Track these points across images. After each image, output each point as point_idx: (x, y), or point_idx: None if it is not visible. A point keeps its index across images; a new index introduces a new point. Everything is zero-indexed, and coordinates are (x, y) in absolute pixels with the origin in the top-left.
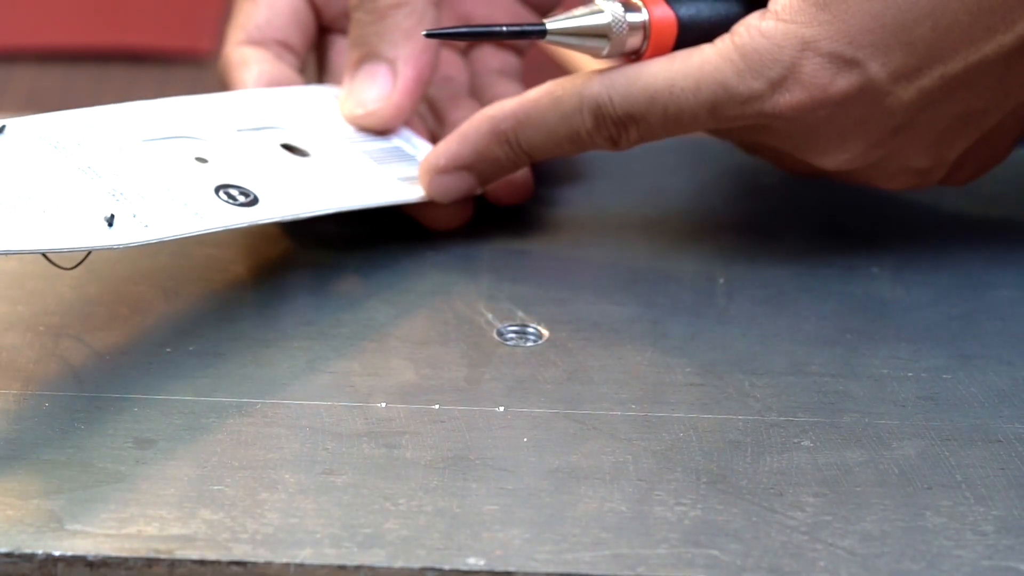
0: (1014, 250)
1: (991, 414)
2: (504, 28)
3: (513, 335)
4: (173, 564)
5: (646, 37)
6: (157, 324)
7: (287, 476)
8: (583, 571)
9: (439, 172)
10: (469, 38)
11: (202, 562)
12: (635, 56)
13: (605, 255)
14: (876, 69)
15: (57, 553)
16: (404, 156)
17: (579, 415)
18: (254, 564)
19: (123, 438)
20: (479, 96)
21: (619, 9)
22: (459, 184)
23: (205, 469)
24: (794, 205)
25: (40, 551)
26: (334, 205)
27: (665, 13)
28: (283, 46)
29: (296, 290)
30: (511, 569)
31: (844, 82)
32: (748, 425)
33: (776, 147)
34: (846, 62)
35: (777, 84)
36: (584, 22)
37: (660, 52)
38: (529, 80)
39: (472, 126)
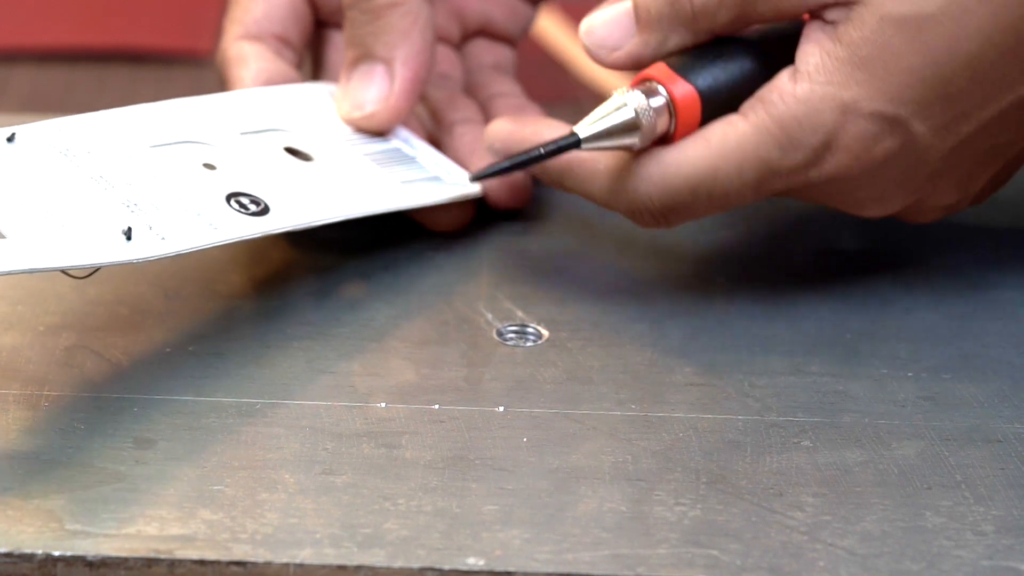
0: (1014, 250)
1: (991, 414)
2: (542, 150)
3: (513, 335)
4: (173, 564)
5: (672, 117)
6: (157, 324)
7: (287, 476)
8: (583, 571)
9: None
10: (516, 168)
11: (202, 562)
12: (666, 138)
13: (605, 255)
14: (918, 126)
15: (57, 553)
16: (404, 158)
17: (579, 415)
18: (254, 564)
19: (123, 438)
20: (475, 93)
21: (641, 98)
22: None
23: (205, 469)
24: (794, 205)
25: (40, 551)
26: (343, 213)
27: (686, 89)
28: (281, 41)
29: (296, 290)
30: (511, 569)
31: (888, 143)
32: (748, 425)
33: (813, 199)
34: (888, 122)
35: (820, 151)
36: (613, 121)
37: (689, 129)
38: (526, 79)
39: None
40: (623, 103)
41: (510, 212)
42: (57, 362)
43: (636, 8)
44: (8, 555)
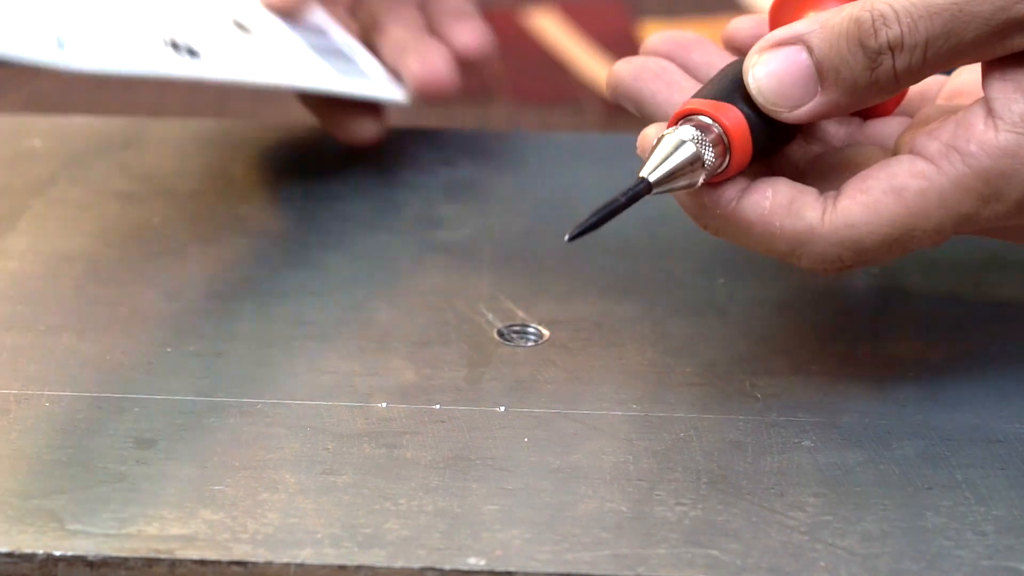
0: (1014, 250)
1: (991, 414)
2: (622, 199)
3: (513, 335)
4: (173, 564)
5: (727, 148)
6: (157, 324)
7: (287, 476)
8: (583, 571)
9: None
10: (601, 223)
11: (202, 562)
12: (722, 169)
13: (605, 255)
14: None
15: (57, 553)
16: (340, 54)
17: (579, 415)
18: (254, 564)
19: (123, 438)
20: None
21: (695, 133)
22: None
23: (205, 469)
24: None
25: (40, 551)
26: (270, 79)
27: (735, 117)
28: None
29: (296, 290)
30: (511, 569)
31: None
32: (748, 425)
33: (990, 236)
34: None
35: (1022, 201)
36: (677, 160)
37: (743, 157)
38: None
39: (686, 202)
40: (680, 140)
41: (510, 211)
42: (57, 362)
43: (819, 65)
44: (8, 555)
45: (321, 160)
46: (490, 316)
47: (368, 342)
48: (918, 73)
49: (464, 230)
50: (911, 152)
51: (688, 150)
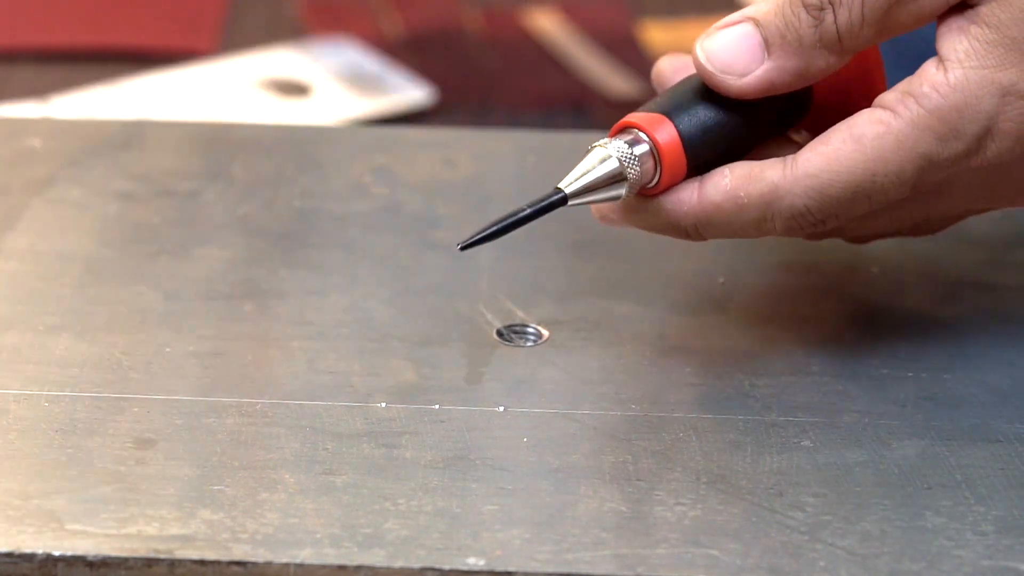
0: (1014, 250)
1: (991, 414)
2: (528, 210)
3: (513, 335)
4: (173, 564)
5: (658, 164)
6: (157, 324)
7: (287, 476)
8: (583, 571)
9: (610, 224)
10: (500, 234)
11: (202, 562)
12: (653, 186)
13: (605, 255)
14: None
15: (57, 553)
16: (366, 75)
17: (579, 415)
18: (254, 564)
19: (123, 438)
20: None
21: (623, 148)
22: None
23: (205, 469)
24: None
25: (40, 551)
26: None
27: (669, 135)
28: None
29: (296, 290)
30: (511, 569)
31: None
32: (748, 425)
33: (963, 199)
34: None
35: (981, 137)
36: (598, 174)
37: (676, 173)
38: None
39: (654, 216)
40: (607, 155)
41: None
42: (57, 362)
43: (765, 33)
44: (8, 555)
45: (321, 160)
46: (490, 316)
47: (368, 342)
48: (859, 31)
49: (464, 230)
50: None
51: (610, 166)
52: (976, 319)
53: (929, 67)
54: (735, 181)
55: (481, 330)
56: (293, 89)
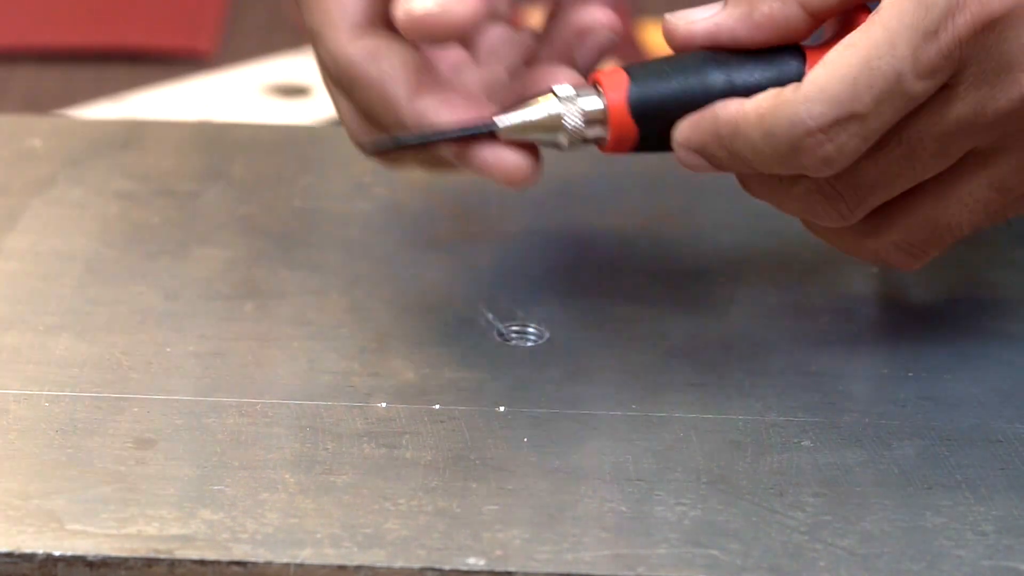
0: (1014, 250)
1: (991, 414)
2: (453, 131)
3: (513, 335)
4: (173, 564)
5: (605, 125)
6: (157, 324)
7: (287, 476)
8: (583, 571)
9: (677, 145)
10: (419, 146)
11: (202, 562)
12: (601, 144)
13: (605, 255)
14: None
15: (57, 553)
16: None
17: (579, 415)
18: (254, 564)
19: (123, 438)
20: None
21: (570, 93)
22: (692, 160)
23: (205, 469)
24: None
25: (40, 551)
26: None
27: (620, 95)
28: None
29: (296, 290)
30: (511, 569)
31: None
32: (748, 425)
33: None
34: None
35: None
36: (533, 116)
37: (625, 138)
38: None
39: (704, 117)
40: (550, 98)
41: (510, 210)
42: (57, 362)
43: None
44: (8, 555)
45: (321, 160)
46: (490, 316)
47: (368, 342)
48: None
49: (464, 229)
50: None
51: (550, 109)
52: (976, 319)
53: None
54: (768, 94)
55: (481, 330)
56: (294, 91)
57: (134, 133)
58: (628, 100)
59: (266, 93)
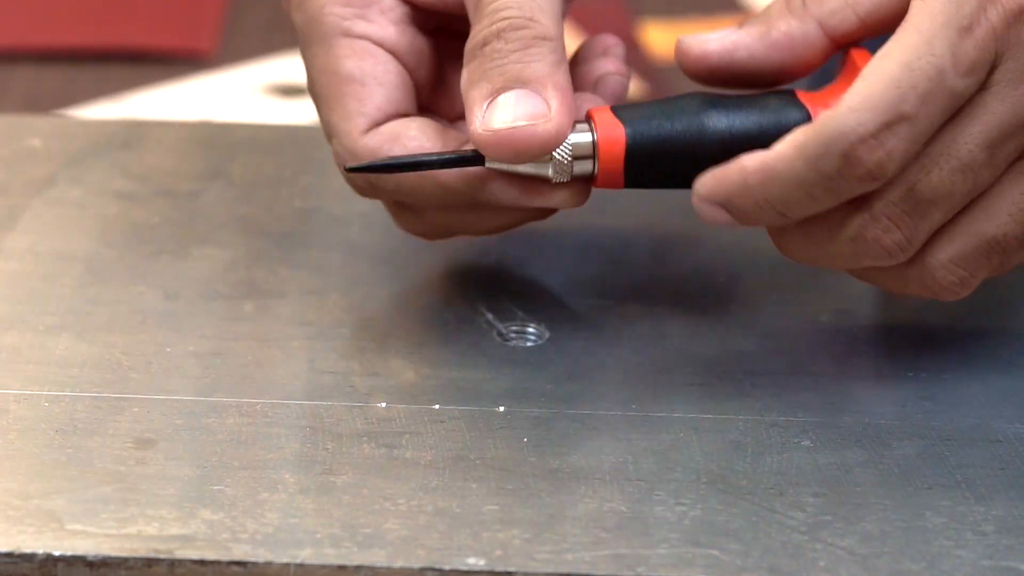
0: None
1: (991, 414)
2: (436, 157)
3: (513, 335)
4: (173, 564)
5: (595, 160)
6: (157, 324)
7: (287, 476)
8: (583, 571)
9: (699, 199)
10: (400, 169)
11: (202, 562)
12: (589, 179)
13: (605, 255)
14: None
15: (57, 553)
16: None
17: (579, 415)
18: (254, 564)
19: (123, 438)
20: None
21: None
22: (715, 215)
23: (205, 469)
24: None
25: (40, 551)
26: None
27: (613, 134)
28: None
29: (296, 290)
30: (511, 569)
31: None
32: (748, 425)
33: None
34: None
35: None
36: None
37: (613, 173)
38: None
39: (730, 170)
40: None
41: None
42: (57, 362)
43: (744, 23)
44: (8, 555)
45: (321, 160)
46: (490, 316)
47: (368, 342)
48: None
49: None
50: None
51: None
52: (976, 319)
53: None
54: (800, 131)
55: (481, 330)
56: (294, 91)
57: (134, 133)
58: (627, 142)
59: (266, 93)
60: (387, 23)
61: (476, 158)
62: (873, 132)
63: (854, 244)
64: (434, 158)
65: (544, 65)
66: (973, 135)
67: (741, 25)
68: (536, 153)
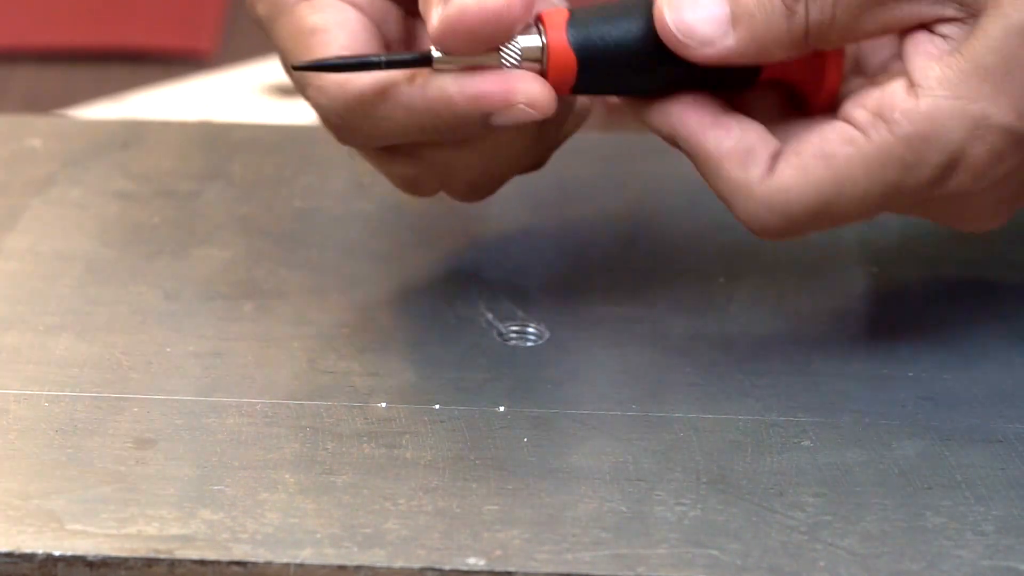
0: (1014, 250)
1: (991, 414)
2: (384, 58)
3: (513, 335)
4: (173, 564)
5: (544, 64)
6: (157, 324)
7: (287, 476)
8: (583, 571)
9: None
10: (344, 69)
11: (202, 562)
12: (541, 73)
13: (605, 255)
14: None
15: (57, 553)
16: None
17: (579, 415)
18: (254, 564)
19: (123, 438)
20: None
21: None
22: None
23: (205, 469)
24: None
25: (40, 551)
26: None
27: (561, 41)
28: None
29: (296, 290)
30: (511, 569)
31: (1012, 160)
32: (748, 425)
33: (920, 215)
34: (1016, 138)
35: (946, 170)
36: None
37: (563, 76)
38: None
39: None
40: None
41: (510, 210)
42: (57, 362)
43: (736, 9)
44: (8, 555)
45: (321, 160)
46: (490, 316)
47: (368, 342)
48: (827, 30)
49: (464, 229)
50: (841, 118)
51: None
52: (976, 319)
53: (899, 90)
54: (732, 150)
55: (481, 330)
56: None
57: (134, 133)
58: (567, 38)
59: (266, 93)
60: None
61: (424, 59)
62: (774, 234)
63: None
64: (383, 59)
65: None
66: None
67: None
68: (489, 32)
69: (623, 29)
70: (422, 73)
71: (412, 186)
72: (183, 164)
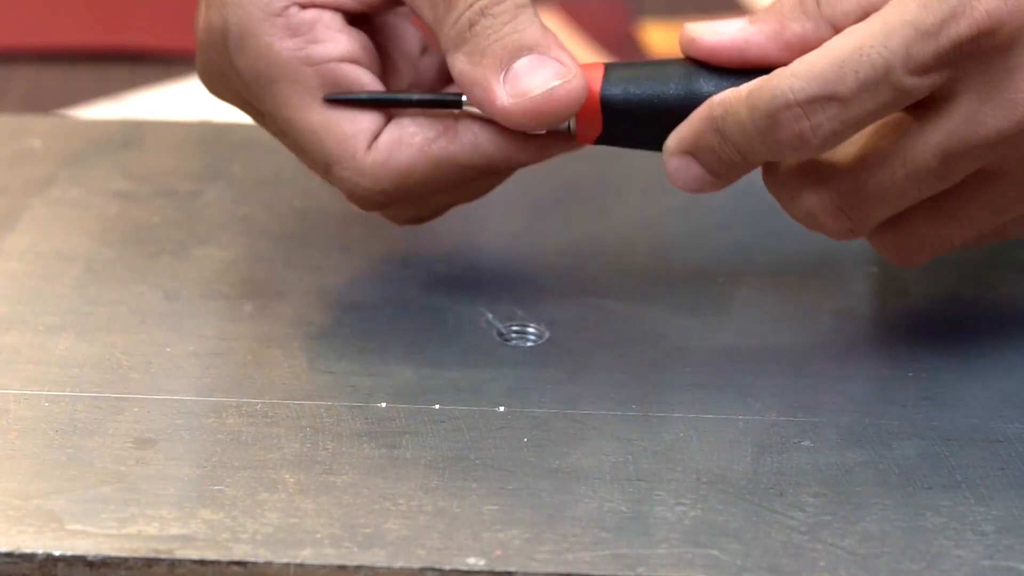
0: (1014, 250)
1: (991, 414)
2: (415, 97)
3: (513, 335)
4: (173, 564)
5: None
6: (157, 324)
7: (287, 476)
8: (583, 571)
9: (669, 154)
10: (376, 105)
11: (202, 562)
12: (568, 133)
13: (605, 255)
14: None
15: (57, 553)
16: None
17: (579, 415)
18: (254, 564)
19: (123, 438)
20: None
21: None
22: (686, 171)
23: (205, 469)
24: None
25: (40, 551)
26: None
27: (594, 98)
28: None
29: (296, 290)
30: (511, 569)
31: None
32: (748, 425)
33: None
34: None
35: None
36: None
37: (590, 130)
38: None
39: (698, 112)
40: None
41: (510, 209)
42: (57, 362)
43: (752, 14)
44: (8, 555)
45: None
46: (490, 316)
47: (368, 342)
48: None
49: (464, 229)
50: None
51: None
52: (976, 319)
53: None
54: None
55: (481, 330)
56: None
57: (134, 133)
58: (601, 97)
59: None
60: (336, 34)
61: (454, 100)
62: (802, 101)
63: (809, 218)
64: (415, 97)
65: (537, 28)
66: (931, 144)
67: (752, 20)
68: (568, 113)
69: (656, 91)
70: (451, 129)
71: (411, 221)
72: (183, 164)
